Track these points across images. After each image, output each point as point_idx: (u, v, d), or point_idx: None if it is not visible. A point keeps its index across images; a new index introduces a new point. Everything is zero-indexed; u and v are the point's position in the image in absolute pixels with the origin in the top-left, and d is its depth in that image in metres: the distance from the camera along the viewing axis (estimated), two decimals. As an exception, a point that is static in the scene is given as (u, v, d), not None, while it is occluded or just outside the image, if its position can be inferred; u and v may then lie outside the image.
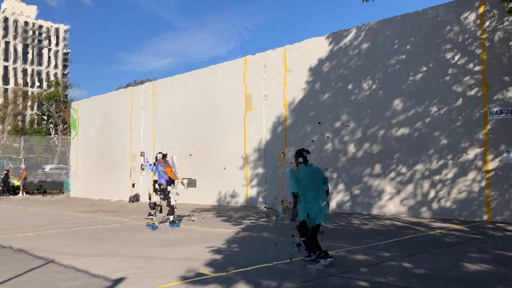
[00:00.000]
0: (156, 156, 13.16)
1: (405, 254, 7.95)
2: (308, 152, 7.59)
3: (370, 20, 15.86)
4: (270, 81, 18.44)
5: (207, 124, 20.88)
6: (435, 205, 13.85)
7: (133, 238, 10.50)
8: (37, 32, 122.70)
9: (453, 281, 6.07)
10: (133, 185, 19.96)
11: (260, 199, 18.32)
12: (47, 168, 38.68)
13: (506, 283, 5.97)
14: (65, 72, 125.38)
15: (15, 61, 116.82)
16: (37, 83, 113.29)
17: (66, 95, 70.51)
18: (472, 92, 13.32)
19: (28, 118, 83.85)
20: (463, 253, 8.03)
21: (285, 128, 17.90)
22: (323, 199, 7.32)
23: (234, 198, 19.46)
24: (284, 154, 8.03)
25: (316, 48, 17.06)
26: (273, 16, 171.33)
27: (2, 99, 68.60)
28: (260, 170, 18.55)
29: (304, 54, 17.45)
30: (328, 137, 16.04)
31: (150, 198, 13.26)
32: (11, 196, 29.08)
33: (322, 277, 6.35)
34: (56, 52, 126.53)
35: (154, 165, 13.00)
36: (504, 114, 12.70)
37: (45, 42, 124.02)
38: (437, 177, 13.86)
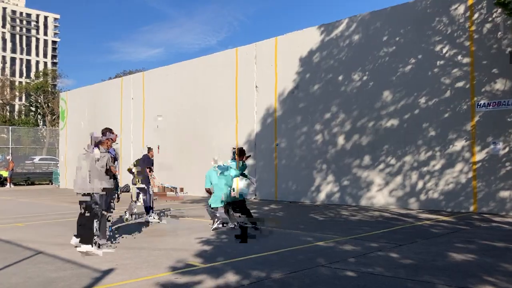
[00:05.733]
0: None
1: (393, 245, 8.05)
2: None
3: (363, 11, 15.86)
4: (261, 72, 18.40)
5: (197, 115, 20.81)
6: (423, 196, 13.99)
7: (122, 228, 10.49)
8: (25, 21, 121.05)
9: (440, 271, 6.16)
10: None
11: (251, 190, 18.35)
12: (36, 159, 38.35)
13: (491, 272, 6.07)
14: (54, 61, 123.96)
15: (3, 50, 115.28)
16: (25, 73, 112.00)
17: (54, 86, 69.78)
18: (460, 84, 13.42)
19: (16, 108, 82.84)
20: (449, 244, 8.14)
21: (275, 119, 17.91)
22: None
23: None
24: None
25: (307, 39, 17.04)
26: (264, 7, 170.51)
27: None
28: (250, 161, 18.56)
29: (295, 45, 17.42)
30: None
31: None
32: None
33: (310, 267, 6.41)
34: (45, 41, 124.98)
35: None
36: (491, 106, 12.83)
37: (34, 31, 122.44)
38: (425, 169, 13.99)
